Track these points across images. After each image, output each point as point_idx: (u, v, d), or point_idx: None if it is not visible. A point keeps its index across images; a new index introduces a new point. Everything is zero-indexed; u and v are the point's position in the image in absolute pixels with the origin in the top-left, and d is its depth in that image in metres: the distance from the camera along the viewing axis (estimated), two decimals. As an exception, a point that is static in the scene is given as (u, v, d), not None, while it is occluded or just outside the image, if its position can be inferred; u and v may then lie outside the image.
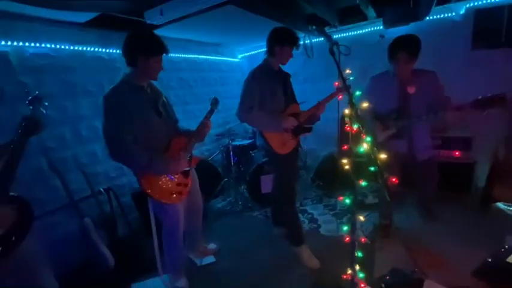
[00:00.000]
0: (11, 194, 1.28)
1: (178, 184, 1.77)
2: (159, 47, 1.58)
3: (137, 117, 1.57)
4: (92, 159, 2.60)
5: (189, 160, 1.84)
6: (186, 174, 1.84)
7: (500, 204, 2.62)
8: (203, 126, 1.84)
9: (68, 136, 2.41)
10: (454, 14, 2.96)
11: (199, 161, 2.04)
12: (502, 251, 1.77)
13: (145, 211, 2.69)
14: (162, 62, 1.64)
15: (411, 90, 1.88)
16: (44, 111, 1.50)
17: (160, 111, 1.72)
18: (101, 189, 2.43)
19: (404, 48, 1.81)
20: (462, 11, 2.90)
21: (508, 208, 2.57)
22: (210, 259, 2.30)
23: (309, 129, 2.15)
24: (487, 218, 2.48)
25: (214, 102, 1.92)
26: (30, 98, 1.47)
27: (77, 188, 2.38)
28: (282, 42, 1.92)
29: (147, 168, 1.61)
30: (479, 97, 1.65)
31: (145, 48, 1.55)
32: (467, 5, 2.85)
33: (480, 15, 2.81)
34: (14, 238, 1.24)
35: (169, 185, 1.74)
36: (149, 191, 1.67)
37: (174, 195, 1.75)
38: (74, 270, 2.28)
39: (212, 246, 2.41)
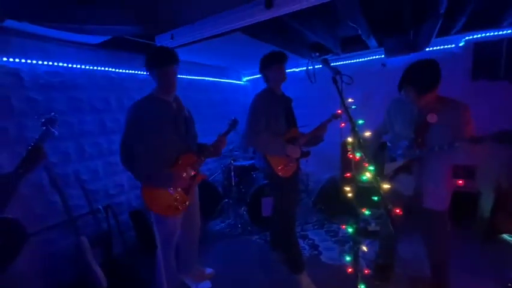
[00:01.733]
0: (3, 216, 1.27)
1: (175, 199, 1.78)
2: (164, 58, 1.70)
3: (153, 129, 1.67)
4: (93, 175, 2.60)
5: (192, 177, 1.86)
6: (186, 191, 1.85)
7: (505, 236, 2.54)
8: (219, 142, 1.95)
9: (71, 151, 2.43)
10: (453, 45, 3.06)
11: (202, 180, 2.04)
12: (510, 286, 1.70)
13: (142, 229, 2.67)
14: (172, 73, 1.74)
15: (432, 119, 1.58)
16: (56, 133, 1.57)
17: (178, 127, 1.80)
18: (100, 206, 2.41)
19: (414, 82, 1.54)
20: (462, 43, 3.00)
21: (515, 241, 2.50)
22: (206, 284, 2.21)
23: (307, 154, 2.17)
24: (492, 250, 2.40)
25: (233, 124, 2.04)
26: (44, 119, 1.54)
27: (75, 205, 2.37)
28: (269, 64, 2.03)
29: (148, 179, 1.69)
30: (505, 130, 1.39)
31: (154, 61, 1.71)
32: (467, 38, 2.95)
33: (479, 47, 2.90)
34: None
35: (167, 199, 1.76)
36: (147, 200, 1.72)
37: (170, 209, 1.77)
38: (65, 288, 2.21)
39: (208, 270, 2.33)
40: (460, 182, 2.80)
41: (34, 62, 2.16)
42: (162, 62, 1.70)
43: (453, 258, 2.16)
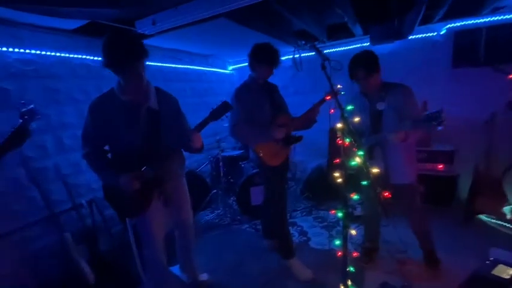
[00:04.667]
0: None
1: (141, 194, 1.57)
2: (124, 56, 1.38)
3: (109, 130, 1.53)
4: (75, 169, 2.49)
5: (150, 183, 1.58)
6: (150, 185, 1.60)
7: (482, 217, 2.70)
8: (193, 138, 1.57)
9: (49, 145, 2.31)
10: (435, 33, 3.12)
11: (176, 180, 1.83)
12: (487, 263, 1.80)
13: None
14: (137, 71, 1.46)
15: (380, 106, 1.85)
16: (34, 126, 1.48)
17: (133, 125, 1.53)
18: (83, 201, 2.32)
19: (361, 65, 1.83)
20: (443, 31, 3.07)
21: (490, 220, 2.65)
22: (203, 277, 2.17)
23: (299, 139, 2.17)
24: (470, 231, 2.54)
25: (212, 115, 1.57)
26: (23, 110, 1.40)
27: (57, 200, 2.28)
28: (259, 61, 1.98)
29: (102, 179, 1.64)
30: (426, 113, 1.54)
31: (111, 60, 1.40)
32: (448, 26, 3.01)
33: (459, 35, 2.98)
34: None
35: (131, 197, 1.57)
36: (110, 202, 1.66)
37: (137, 206, 1.61)
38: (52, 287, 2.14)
39: (204, 277, 2.18)
40: (440, 166, 2.91)
41: (4, 49, 2.00)
42: (123, 61, 1.38)
43: (435, 238, 2.27)
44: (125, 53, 1.37)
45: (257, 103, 2.02)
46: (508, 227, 2.53)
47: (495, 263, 1.78)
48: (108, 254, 2.42)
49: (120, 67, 1.41)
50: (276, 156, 2.03)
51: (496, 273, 1.70)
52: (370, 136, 1.90)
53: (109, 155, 1.66)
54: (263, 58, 1.97)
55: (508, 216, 2.58)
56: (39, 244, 2.19)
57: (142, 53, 1.43)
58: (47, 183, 2.22)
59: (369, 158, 1.92)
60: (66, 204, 2.28)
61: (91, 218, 2.34)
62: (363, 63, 1.82)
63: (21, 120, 1.39)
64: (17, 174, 2.08)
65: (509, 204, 2.57)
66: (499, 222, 2.60)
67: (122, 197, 1.58)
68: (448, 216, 2.74)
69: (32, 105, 1.45)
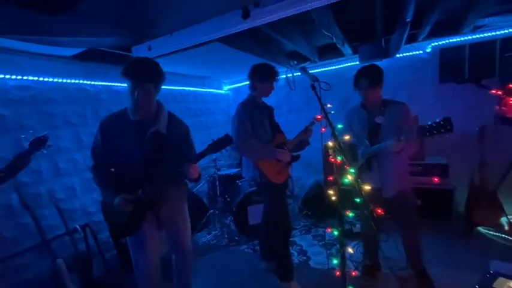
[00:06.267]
0: None
1: (134, 214, 1.56)
2: (135, 72, 1.46)
3: (114, 147, 1.56)
4: (69, 193, 2.47)
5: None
6: (142, 207, 1.59)
7: (481, 229, 2.68)
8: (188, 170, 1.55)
9: (44, 169, 2.30)
10: (421, 52, 3.26)
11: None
12: (488, 276, 1.78)
13: (125, 248, 2.54)
14: (133, 88, 1.47)
15: (379, 120, 1.93)
16: (45, 152, 1.52)
17: (133, 147, 1.55)
18: (77, 226, 2.28)
19: (366, 75, 1.92)
20: (429, 49, 3.21)
21: (489, 232, 2.64)
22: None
23: (298, 157, 2.22)
24: (469, 243, 2.52)
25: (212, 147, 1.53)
26: (33, 138, 1.45)
27: (50, 225, 2.24)
28: (262, 78, 2.06)
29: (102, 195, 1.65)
30: (427, 124, 1.55)
31: (123, 72, 1.48)
32: (433, 44, 3.15)
33: (445, 53, 3.12)
34: None
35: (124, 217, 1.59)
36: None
37: (130, 226, 1.60)
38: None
39: None
40: (436, 179, 2.93)
41: (1, 76, 2.05)
42: (133, 76, 1.46)
43: (435, 252, 2.25)
44: (138, 72, 1.45)
45: (259, 121, 2.06)
46: (507, 238, 2.52)
47: (495, 275, 1.76)
48: (102, 280, 2.34)
49: (131, 83, 1.47)
50: (280, 174, 2.05)
51: (496, 287, 1.68)
52: (367, 148, 1.92)
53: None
54: (264, 75, 2.05)
55: (506, 228, 2.57)
56: (31, 272, 2.13)
57: (154, 76, 1.50)
58: (40, 208, 2.20)
59: (367, 169, 1.96)
60: (59, 230, 2.23)
61: (85, 243, 2.29)
62: (368, 73, 1.92)
63: (28, 147, 1.42)
64: (9, 200, 2.06)
65: (506, 216, 2.58)
66: (498, 234, 2.59)
67: (115, 214, 1.59)
68: (446, 230, 2.72)
69: (46, 132, 1.51)
